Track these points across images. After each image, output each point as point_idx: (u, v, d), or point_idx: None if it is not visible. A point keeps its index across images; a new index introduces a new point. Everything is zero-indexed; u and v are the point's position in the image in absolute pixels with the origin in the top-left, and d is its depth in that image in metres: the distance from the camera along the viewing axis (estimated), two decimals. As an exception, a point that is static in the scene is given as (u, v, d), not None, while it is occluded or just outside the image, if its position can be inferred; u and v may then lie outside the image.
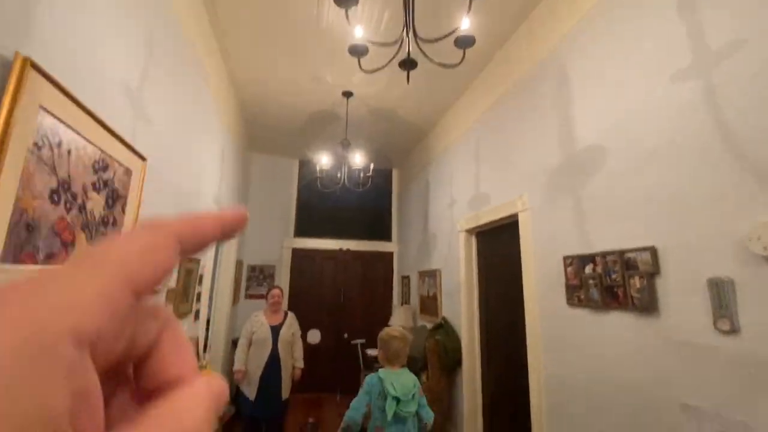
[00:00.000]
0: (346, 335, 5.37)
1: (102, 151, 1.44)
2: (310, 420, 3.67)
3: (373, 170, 3.61)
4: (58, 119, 1.19)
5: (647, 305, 1.58)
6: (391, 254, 5.87)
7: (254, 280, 5.32)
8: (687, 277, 1.46)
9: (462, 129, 3.64)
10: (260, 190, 5.47)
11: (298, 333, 3.50)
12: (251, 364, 3.22)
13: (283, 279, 5.38)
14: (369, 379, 1.61)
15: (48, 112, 1.15)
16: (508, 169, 2.78)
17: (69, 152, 1.26)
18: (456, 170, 3.75)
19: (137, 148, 1.68)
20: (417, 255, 4.84)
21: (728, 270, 1.32)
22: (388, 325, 4.96)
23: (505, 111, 2.88)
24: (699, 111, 1.45)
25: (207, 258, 3.15)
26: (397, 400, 1.53)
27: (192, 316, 2.79)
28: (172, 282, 2.30)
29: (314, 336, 5.36)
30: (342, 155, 3.58)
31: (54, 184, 1.21)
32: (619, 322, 1.74)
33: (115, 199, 1.57)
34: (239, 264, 4.84)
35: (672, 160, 1.55)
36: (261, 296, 5.26)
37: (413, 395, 1.58)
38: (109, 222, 1.52)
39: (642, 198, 1.67)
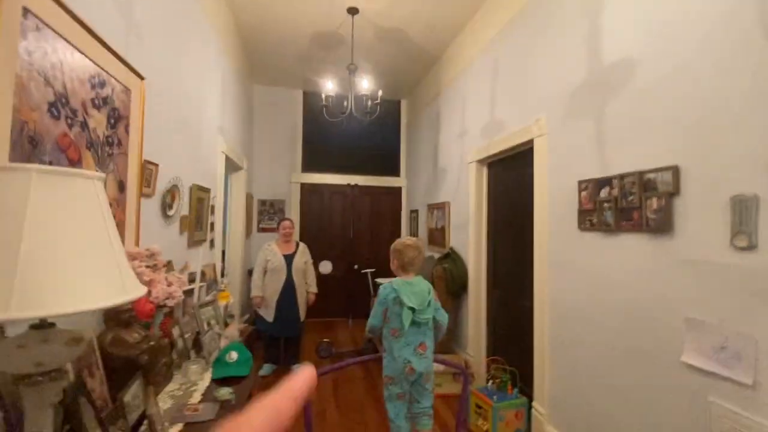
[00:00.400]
0: (356, 266, 5.56)
1: (96, 64, 1.36)
2: (325, 340, 3.94)
3: (381, 98, 3.44)
4: (45, 24, 1.11)
5: (662, 226, 1.56)
6: (399, 189, 5.85)
7: (265, 214, 5.41)
8: (708, 195, 1.41)
9: (477, 49, 3.38)
10: (264, 124, 5.33)
11: (311, 262, 3.64)
12: (267, 290, 3.39)
13: (293, 213, 5.45)
14: (383, 289, 1.62)
15: (33, 14, 1.07)
16: (527, 91, 2.61)
17: (61, 63, 1.19)
18: (469, 97, 3.56)
19: (132, 64, 1.58)
20: (426, 189, 4.81)
21: (754, 186, 1.27)
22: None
23: (527, 24, 2.64)
24: (745, 8, 1.29)
25: (217, 189, 3.15)
26: (413, 309, 1.55)
27: (207, 243, 2.87)
28: (184, 209, 2.32)
29: (326, 267, 5.56)
30: (348, 81, 3.39)
31: (51, 97, 1.16)
32: (630, 243, 1.74)
33: (117, 119, 1.52)
34: (249, 198, 4.88)
35: (705, 71, 1.43)
36: (273, 229, 5.38)
37: (429, 302, 1.58)
38: (113, 142, 1.49)
39: (668, 115, 1.57)
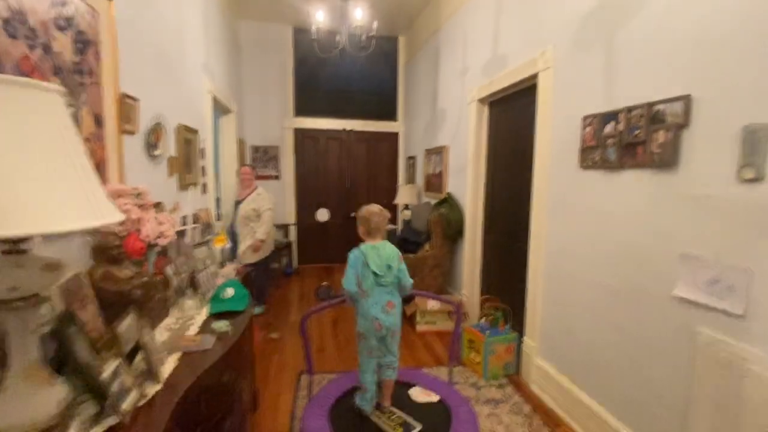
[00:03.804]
0: (353, 214, 5.56)
1: (52, -24, 1.21)
2: (324, 283, 4.04)
3: (376, 33, 3.19)
4: None
5: (668, 160, 1.50)
6: (396, 135, 5.68)
7: (259, 161, 5.29)
8: (718, 126, 1.34)
9: (481, -24, 3.09)
10: (253, 64, 5.03)
11: (264, 208, 3.43)
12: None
13: (287, 160, 5.33)
14: (351, 254, 1.70)
15: None
16: (532, 22, 2.42)
17: (10, -29, 1.05)
18: (471, 31, 3.31)
19: (96, -20, 1.42)
20: (424, 133, 4.66)
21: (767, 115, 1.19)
22: (392, 203, 5.09)
23: (535, -56, 2.38)
24: None
25: (206, 131, 3.03)
26: (375, 274, 1.63)
27: (199, 187, 2.81)
28: (171, 150, 2.23)
29: (323, 215, 5.57)
30: (341, 11, 3.12)
31: (5, 13, 1.04)
32: (632, 180, 1.69)
33: (86, 44, 1.39)
34: (241, 144, 4.74)
35: (732, -12, 1.29)
36: (268, 177, 5.30)
37: (390, 266, 1.66)
38: (84, 71, 1.38)
39: (684, 41, 1.45)
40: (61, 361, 0.93)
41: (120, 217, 0.75)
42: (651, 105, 1.57)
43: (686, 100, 1.44)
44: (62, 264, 0.74)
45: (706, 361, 1.36)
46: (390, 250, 1.70)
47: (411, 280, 1.76)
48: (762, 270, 1.22)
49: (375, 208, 1.76)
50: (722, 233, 1.33)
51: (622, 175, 1.74)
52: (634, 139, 1.65)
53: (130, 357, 1.05)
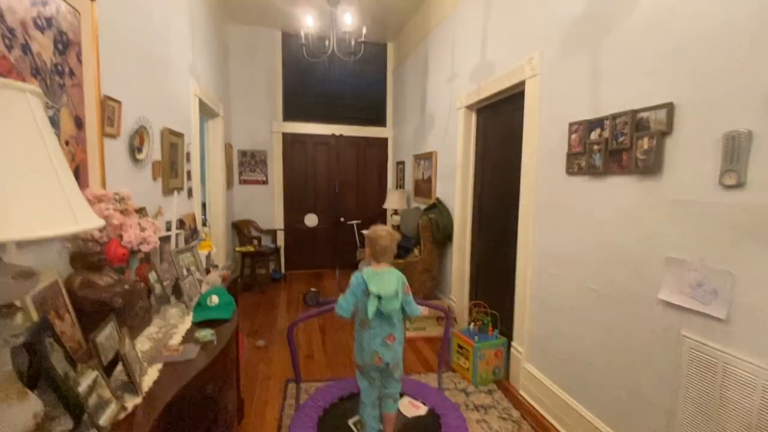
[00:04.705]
0: (342, 219, 5.53)
1: (32, -25, 1.17)
2: (312, 289, 3.99)
3: (365, 39, 3.20)
4: None
5: (652, 167, 1.53)
6: (385, 140, 5.69)
7: (247, 165, 5.23)
8: (701, 134, 1.37)
9: (468, -16, 3.13)
10: (241, 67, 4.98)
11: None
12: None
13: (275, 164, 5.28)
14: (354, 279, 1.61)
15: None
16: (520, 28, 2.46)
17: (-14, -31, 1.02)
18: (460, 37, 3.35)
19: (79, -20, 1.38)
20: (413, 139, 4.68)
21: (748, 122, 1.23)
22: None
23: (522, -46, 2.42)
24: (768, -77, 1.17)
25: (192, 135, 2.98)
26: (379, 298, 1.53)
27: (185, 192, 2.75)
28: (156, 154, 2.18)
29: (311, 220, 5.51)
30: (330, 16, 3.12)
31: (-21, 11, 1.00)
32: (617, 186, 1.72)
33: (66, 44, 1.35)
34: (229, 148, 4.68)
35: (707, 2, 1.33)
36: (255, 181, 5.24)
37: (397, 292, 1.57)
38: (64, 71, 1.33)
39: (667, 50, 1.48)
40: (35, 373, 0.88)
41: (100, 222, 0.73)
42: (635, 112, 1.60)
43: (669, 107, 1.47)
44: (36, 272, 0.71)
45: (691, 364, 1.38)
46: (395, 279, 1.60)
47: (418, 310, 1.67)
48: (744, 275, 1.24)
49: (383, 231, 1.67)
50: (706, 238, 1.36)
51: (608, 180, 1.77)
52: (619, 146, 1.68)
53: (110, 368, 1.01)
